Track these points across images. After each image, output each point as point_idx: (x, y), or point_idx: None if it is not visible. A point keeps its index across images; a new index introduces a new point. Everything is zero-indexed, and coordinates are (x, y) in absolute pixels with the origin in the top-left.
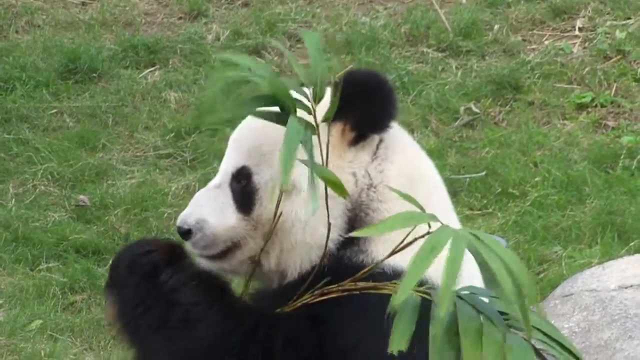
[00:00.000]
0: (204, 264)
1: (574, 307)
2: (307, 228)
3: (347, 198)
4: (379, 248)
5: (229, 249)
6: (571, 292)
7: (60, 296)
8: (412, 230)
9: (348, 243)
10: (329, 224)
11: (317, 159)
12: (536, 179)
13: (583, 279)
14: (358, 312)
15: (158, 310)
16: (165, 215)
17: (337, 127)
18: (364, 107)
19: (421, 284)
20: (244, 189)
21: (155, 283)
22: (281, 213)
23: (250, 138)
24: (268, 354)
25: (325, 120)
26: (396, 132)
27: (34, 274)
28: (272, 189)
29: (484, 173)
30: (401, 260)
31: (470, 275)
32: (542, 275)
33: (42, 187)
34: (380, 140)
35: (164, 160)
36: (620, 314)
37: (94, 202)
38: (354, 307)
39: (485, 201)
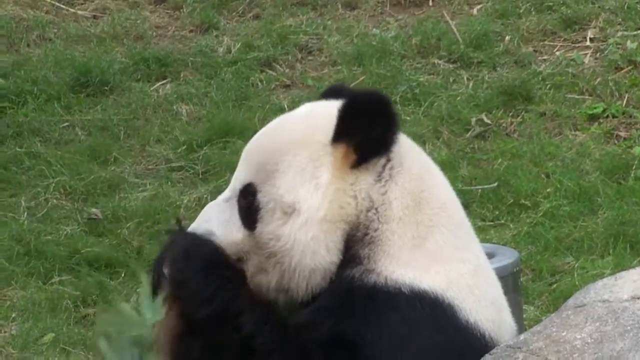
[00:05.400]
0: None
1: (587, 317)
2: (306, 251)
3: (347, 221)
4: (389, 267)
5: None
6: (583, 303)
7: (73, 309)
8: (421, 245)
9: (350, 262)
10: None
11: (322, 179)
12: (548, 190)
13: (595, 290)
14: (389, 335)
15: (232, 352)
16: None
17: (340, 149)
18: (365, 131)
19: (436, 300)
20: (248, 206)
21: (239, 328)
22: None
23: (259, 154)
24: None
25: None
26: (404, 151)
27: (46, 287)
28: (272, 210)
29: (495, 184)
30: (414, 278)
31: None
32: (554, 286)
33: (54, 201)
34: (388, 161)
35: (176, 173)
36: (633, 324)
37: (106, 215)
38: (384, 330)
39: (497, 212)
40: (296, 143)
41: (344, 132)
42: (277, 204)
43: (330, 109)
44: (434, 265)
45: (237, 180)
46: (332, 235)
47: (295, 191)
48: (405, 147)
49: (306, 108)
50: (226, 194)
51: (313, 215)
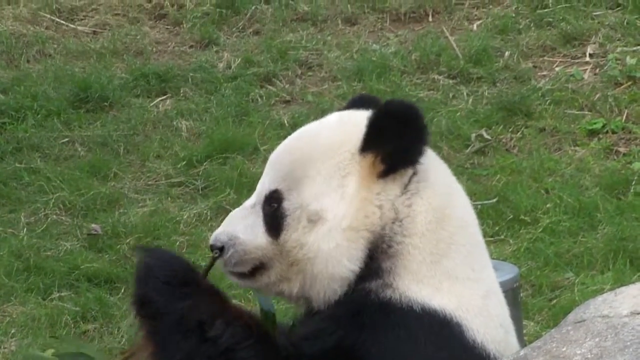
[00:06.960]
0: (234, 281)
1: (586, 333)
2: (329, 259)
3: (370, 230)
4: (406, 282)
5: (257, 269)
6: (583, 319)
7: (73, 325)
8: (438, 262)
9: (371, 275)
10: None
11: (349, 189)
12: (548, 206)
13: (595, 305)
14: (395, 351)
15: None
16: (178, 243)
17: (368, 158)
18: (396, 141)
19: (444, 319)
20: (274, 212)
21: (207, 340)
22: None
23: (286, 161)
24: None
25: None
26: (431, 166)
27: (46, 303)
28: (298, 217)
29: (495, 200)
30: (426, 296)
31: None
32: (554, 301)
33: (54, 216)
34: (414, 174)
35: (176, 188)
36: (633, 340)
37: (106, 231)
38: (391, 346)
39: (497, 228)
40: (324, 151)
41: (372, 141)
42: (303, 211)
43: (360, 118)
44: (447, 283)
45: (263, 186)
46: (355, 243)
47: (321, 199)
48: (431, 161)
49: (336, 117)
50: (252, 200)
51: (338, 224)
